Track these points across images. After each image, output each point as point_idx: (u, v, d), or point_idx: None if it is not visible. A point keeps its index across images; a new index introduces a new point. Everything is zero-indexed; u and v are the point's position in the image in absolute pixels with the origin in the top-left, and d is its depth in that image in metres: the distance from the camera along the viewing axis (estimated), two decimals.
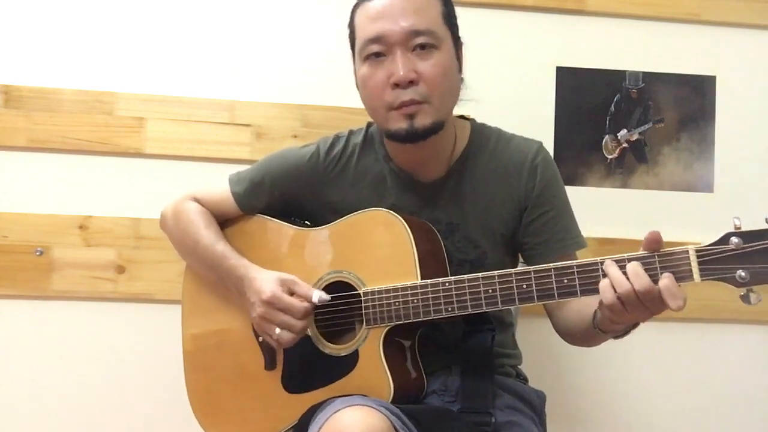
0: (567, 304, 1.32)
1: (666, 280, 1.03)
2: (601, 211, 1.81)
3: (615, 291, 1.06)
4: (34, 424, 1.76)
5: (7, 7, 1.77)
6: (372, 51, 1.27)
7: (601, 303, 1.11)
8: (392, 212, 1.28)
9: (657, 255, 1.06)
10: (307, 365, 1.31)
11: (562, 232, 1.35)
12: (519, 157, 1.37)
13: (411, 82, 1.25)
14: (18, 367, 1.77)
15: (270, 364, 1.35)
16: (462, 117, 1.43)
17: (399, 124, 1.27)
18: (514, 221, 1.37)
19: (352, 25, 1.33)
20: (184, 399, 1.44)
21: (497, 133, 1.41)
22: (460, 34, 1.34)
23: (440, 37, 1.27)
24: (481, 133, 1.40)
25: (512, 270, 1.17)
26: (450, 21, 1.31)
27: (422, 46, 1.25)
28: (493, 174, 1.37)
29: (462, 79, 1.35)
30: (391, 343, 1.25)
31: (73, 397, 1.77)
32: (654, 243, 1.07)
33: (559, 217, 1.36)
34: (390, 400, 1.20)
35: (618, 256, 1.09)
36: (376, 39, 1.26)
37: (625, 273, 1.06)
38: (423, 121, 1.26)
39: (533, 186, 1.35)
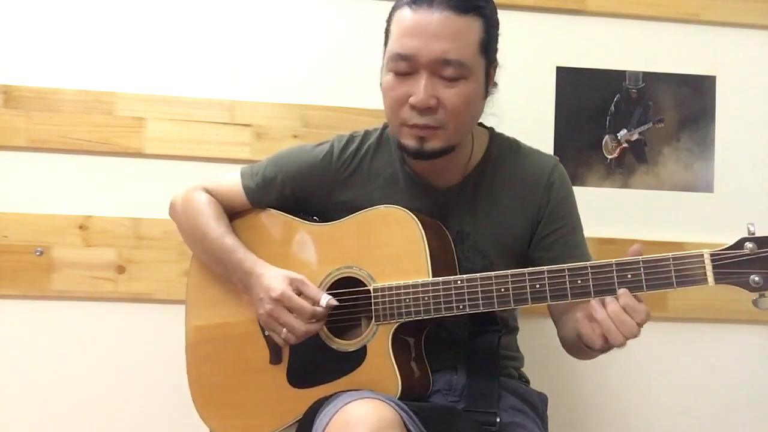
0: (563, 317, 1.33)
1: (625, 298, 1.09)
2: (601, 211, 1.81)
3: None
4: (33, 424, 1.76)
5: (7, 7, 1.77)
6: (400, 67, 1.24)
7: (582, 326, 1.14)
8: (404, 209, 1.29)
9: (672, 258, 1.07)
10: (314, 360, 1.31)
11: (572, 250, 1.36)
12: (536, 171, 1.38)
13: (429, 108, 1.23)
14: (18, 367, 1.76)
15: (275, 359, 1.35)
16: (480, 125, 1.42)
17: (408, 140, 1.27)
18: (525, 235, 1.38)
19: (389, 24, 1.30)
20: (185, 399, 1.44)
21: (515, 144, 1.42)
22: None
23: (470, 68, 1.24)
24: (499, 144, 1.41)
25: (525, 269, 1.17)
26: (487, 48, 1.27)
27: (450, 77, 1.23)
28: (508, 186, 1.37)
29: (496, 84, 1.34)
30: (399, 340, 1.26)
31: (73, 397, 1.76)
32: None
33: (570, 235, 1.37)
34: (398, 396, 1.20)
35: (632, 258, 1.10)
36: (405, 57, 1.23)
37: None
38: (433, 144, 1.26)
39: (548, 202, 1.37)
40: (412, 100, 1.23)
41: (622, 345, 1.12)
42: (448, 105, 1.24)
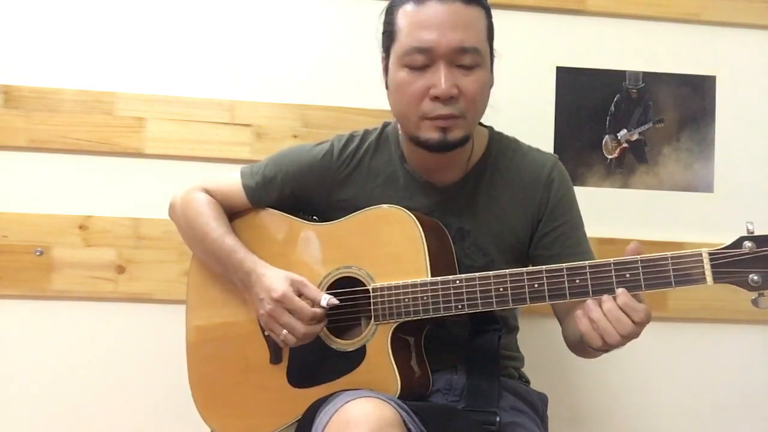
0: (567, 318, 1.33)
1: (623, 297, 1.08)
2: (601, 211, 1.81)
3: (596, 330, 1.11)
4: (34, 424, 1.76)
5: (7, 7, 1.77)
6: (416, 61, 1.24)
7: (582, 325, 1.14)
8: (404, 209, 1.29)
9: (670, 257, 1.07)
10: (314, 360, 1.31)
11: (574, 247, 1.36)
12: (535, 170, 1.38)
13: (452, 97, 1.24)
14: (18, 367, 1.76)
15: (275, 358, 1.35)
16: (479, 124, 1.42)
17: (431, 134, 1.27)
18: (525, 233, 1.38)
19: (391, 24, 1.29)
20: (185, 399, 1.44)
21: (514, 143, 1.42)
22: None
23: (483, 55, 1.26)
24: (498, 142, 1.41)
25: (524, 269, 1.17)
26: (491, 36, 1.30)
27: (467, 66, 1.24)
28: (508, 184, 1.38)
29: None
30: (398, 340, 1.26)
31: (73, 397, 1.76)
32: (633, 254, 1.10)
33: (571, 232, 1.38)
34: (397, 395, 1.20)
35: (630, 257, 1.10)
36: (424, 50, 1.23)
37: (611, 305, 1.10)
38: (456, 134, 1.27)
39: (548, 200, 1.37)
40: (434, 91, 1.23)
41: (620, 344, 1.11)
42: (467, 93, 1.25)
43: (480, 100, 1.28)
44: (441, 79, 1.23)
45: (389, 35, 1.30)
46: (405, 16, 1.26)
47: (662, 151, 1.87)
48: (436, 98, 1.24)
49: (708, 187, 1.87)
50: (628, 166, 1.86)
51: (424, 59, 1.24)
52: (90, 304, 1.77)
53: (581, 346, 1.23)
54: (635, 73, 1.87)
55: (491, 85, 1.32)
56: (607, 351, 1.18)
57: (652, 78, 1.87)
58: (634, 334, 1.10)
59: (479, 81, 1.26)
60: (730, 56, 1.88)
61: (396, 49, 1.28)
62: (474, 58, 1.25)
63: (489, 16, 1.30)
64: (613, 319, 1.09)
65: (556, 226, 1.37)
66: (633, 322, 1.09)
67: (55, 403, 1.76)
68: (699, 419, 1.86)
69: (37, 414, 1.76)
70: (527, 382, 1.46)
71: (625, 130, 1.86)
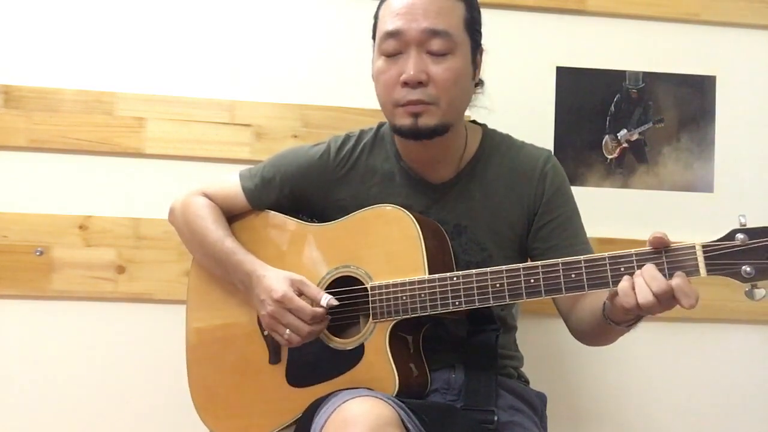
0: (579, 303, 1.32)
1: (678, 279, 1.05)
2: (601, 211, 1.81)
3: (635, 295, 1.07)
4: (34, 424, 1.76)
5: (7, 7, 1.77)
6: (389, 46, 1.28)
7: (613, 298, 1.12)
8: (401, 208, 1.30)
9: (664, 250, 1.08)
10: (312, 359, 1.32)
11: (571, 238, 1.37)
12: (529, 163, 1.39)
13: (420, 83, 1.26)
14: (18, 367, 1.76)
15: (274, 358, 1.36)
16: (474, 122, 1.45)
17: (403, 120, 1.29)
18: (522, 226, 1.39)
19: (376, 20, 1.35)
20: (185, 399, 1.44)
21: (508, 139, 1.44)
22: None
23: (457, 42, 1.28)
24: (492, 138, 1.42)
25: (520, 264, 1.18)
26: (472, 27, 1.32)
27: (438, 52, 1.26)
28: (503, 179, 1.38)
29: (482, 83, 1.38)
30: (397, 338, 1.26)
31: (73, 397, 1.76)
32: (658, 244, 1.08)
33: (568, 224, 1.38)
34: (395, 394, 1.20)
35: (624, 251, 1.10)
36: (394, 33, 1.27)
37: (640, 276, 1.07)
38: (427, 121, 1.28)
39: (543, 192, 1.37)
40: (403, 76, 1.26)
41: (650, 305, 1.05)
42: (437, 80, 1.27)
43: (453, 87, 1.28)
44: (409, 65, 1.26)
45: (374, 29, 1.35)
46: (384, 7, 1.32)
47: (662, 151, 1.87)
48: (405, 84, 1.26)
49: (708, 187, 1.87)
50: (628, 166, 1.86)
51: (395, 44, 1.27)
52: (90, 304, 1.77)
53: (601, 327, 1.21)
54: (635, 73, 1.87)
55: (472, 78, 1.33)
56: (629, 324, 1.15)
57: (652, 78, 1.87)
58: (666, 298, 1.05)
59: (451, 69, 1.27)
60: (730, 56, 1.88)
61: (376, 39, 1.33)
62: (444, 44, 1.26)
63: (471, 9, 1.32)
64: (648, 277, 1.06)
65: (552, 218, 1.38)
66: (669, 284, 1.05)
67: (55, 403, 1.76)
68: (699, 419, 1.85)
69: (37, 414, 1.76)
70: (526, 381, 1.46)
71: (625, 130, 1.86)
